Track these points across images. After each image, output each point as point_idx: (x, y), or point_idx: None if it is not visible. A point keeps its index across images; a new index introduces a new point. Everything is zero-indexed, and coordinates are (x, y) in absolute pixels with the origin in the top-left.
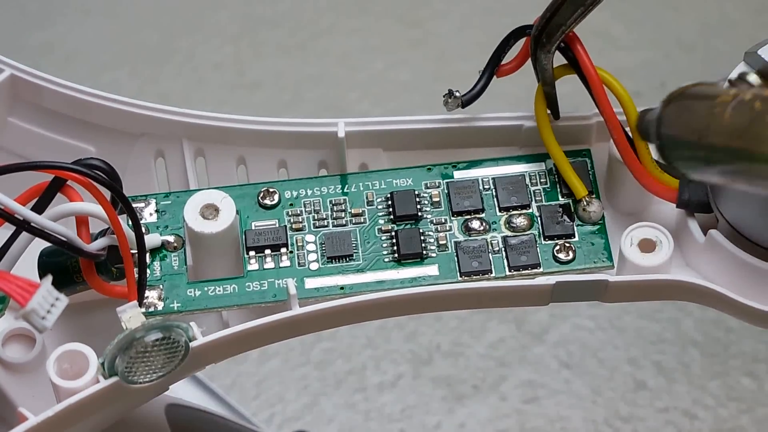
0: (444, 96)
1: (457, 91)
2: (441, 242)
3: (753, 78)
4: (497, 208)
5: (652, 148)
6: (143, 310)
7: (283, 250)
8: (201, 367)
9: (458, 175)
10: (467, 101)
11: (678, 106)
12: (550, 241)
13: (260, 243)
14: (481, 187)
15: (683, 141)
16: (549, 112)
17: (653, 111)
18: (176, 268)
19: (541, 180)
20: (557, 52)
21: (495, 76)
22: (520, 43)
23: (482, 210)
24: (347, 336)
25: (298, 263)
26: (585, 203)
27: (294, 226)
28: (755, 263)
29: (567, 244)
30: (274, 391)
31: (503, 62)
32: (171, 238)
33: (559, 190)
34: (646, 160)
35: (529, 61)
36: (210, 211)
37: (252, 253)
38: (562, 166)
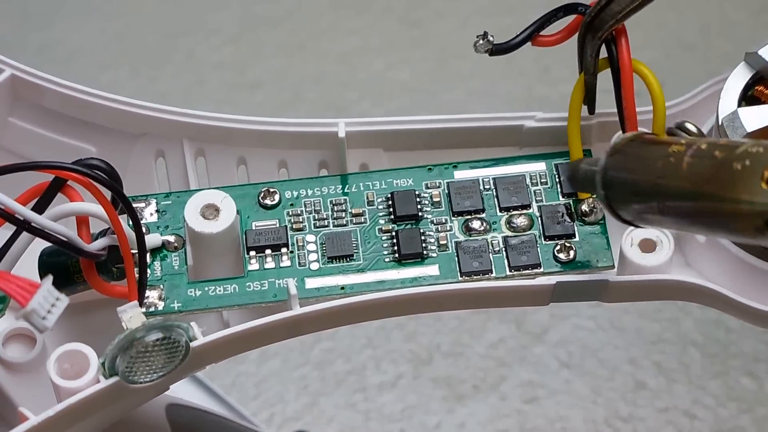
0: (478, 36)
1: (492, 36)
2: (441, 242)
3: (691, 126)
4: (498, 208)
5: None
6: (144, 310)
7: (284, 250)
8: (201, 367)
9: (458, 175)
10: (497, 51)
11: (625, 155)
12: (550, 241)
13: (261, 243)
14: (481, 187)
15: (634, 189)
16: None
17: (590, 160)
18: (177, 268)
19: (542, 180)
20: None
21: (530, 43)
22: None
23: (483, 210)
24: (347, 336)
25: (299, 263)
26: (587, 205)
27: (294, 226)
28: (755, 263)
29: (567, 244)
30: (274, 391)
31: (543, 33)
32: (171, 238)
33: (559, 190)
34: None
35: (556, 47)
36: (210, 211)
37: (252, 253)
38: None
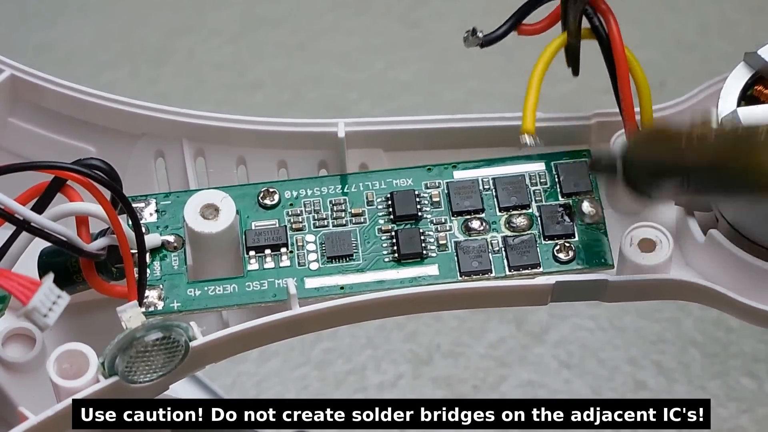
0: (467, 32)
1: (481, 31)
2: (441, 242)
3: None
4: (497, 208)
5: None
6: (143, 309)
7: (283, 249)
8: (201, 367)
9: (458, 175)
10: (488, 42)
11: (649, 135)
12: (550, 241)
13: (260, 243)
14: (481, 187)
15: (656, 163)
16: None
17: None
18: (176, 267)
19: (541, 180)
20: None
21: (516, 33)
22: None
23: (482, 210)
24: (347, 336)
25: (298, 263)
26: (586, 205)
27: (294, 226)
28: (755, 263)
29: (567, 244)
30: (274, 391)
31: (527, 22)
32: (171, 238)
33: (558, 190)
34: None
35: (550, 37)
36: (210, 211)
37: (252, 252)
38: (530, 89)
